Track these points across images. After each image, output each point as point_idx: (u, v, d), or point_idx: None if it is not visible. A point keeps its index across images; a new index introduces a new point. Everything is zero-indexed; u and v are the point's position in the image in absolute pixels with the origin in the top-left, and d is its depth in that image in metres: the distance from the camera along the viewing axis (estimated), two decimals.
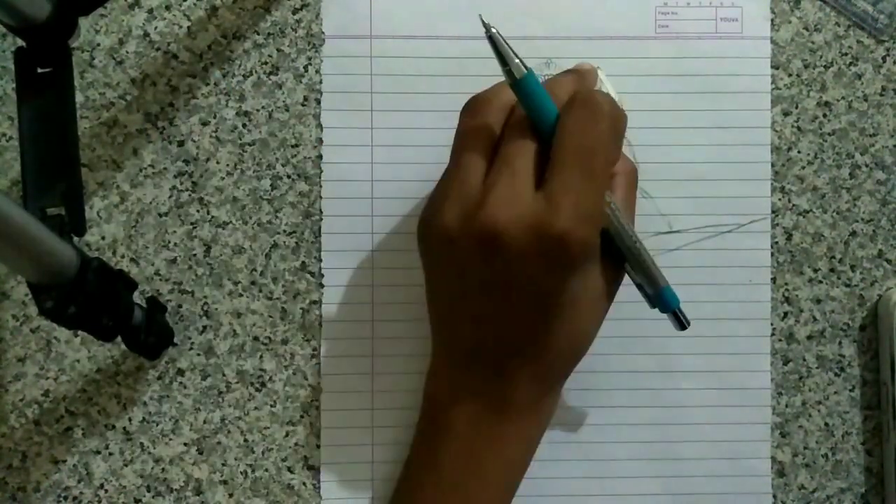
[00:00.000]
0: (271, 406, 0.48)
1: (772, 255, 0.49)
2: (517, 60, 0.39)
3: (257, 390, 0.48)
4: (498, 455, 0.42)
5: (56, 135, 0.39)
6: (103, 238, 0.48)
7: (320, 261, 0.48)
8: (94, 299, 0.38)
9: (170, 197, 0.48)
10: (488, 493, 0.42)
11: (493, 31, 0.38)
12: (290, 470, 0.48)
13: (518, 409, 0.41)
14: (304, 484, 0.48)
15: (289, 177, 0.48)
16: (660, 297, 0.42)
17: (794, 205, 0.49)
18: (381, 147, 0.48)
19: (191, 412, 0.48)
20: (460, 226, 0.39)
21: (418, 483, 0.43)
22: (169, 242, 0.48)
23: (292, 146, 0.48)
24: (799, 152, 0.49)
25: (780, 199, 0.49)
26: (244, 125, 0.48)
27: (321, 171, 0.48)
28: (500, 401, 0.41)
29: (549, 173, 0.38)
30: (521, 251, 0.38)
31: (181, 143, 0.48)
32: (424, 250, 0.42)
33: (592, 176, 0.38)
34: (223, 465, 0.48)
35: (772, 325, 0.49)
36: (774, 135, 0.49)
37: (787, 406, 0.49)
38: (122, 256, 0.48)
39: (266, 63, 0.48)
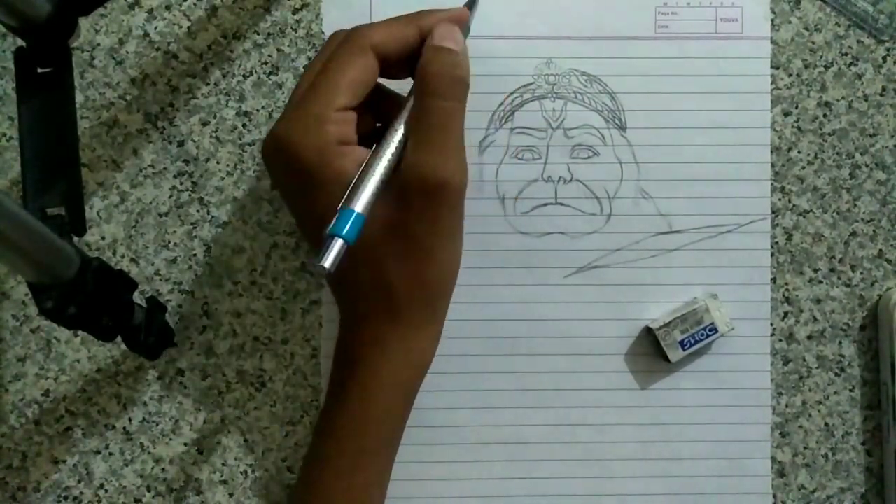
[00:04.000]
0: (271, 406, 0.48)
1: (772, 255, 0.49)
2: None
3: (257, 390, 0.48)
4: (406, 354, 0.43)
5: (56, 135, 0.39)
6: (103, 238, 0.48)
7: None
8: (94, 299, 0.38)
9: (170, 197, 0.48)
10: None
11: None
12: (290, 470, 0.48)
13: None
14: None
15: None
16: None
17: (794, 205, 0.49)
18: None
19: (191, 412, 0.48)
20: None
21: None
22: (169, 242, 0.48)
23: None
24: (799, 152, 0.49)
25: (780, 199, 0.49)
26: (244, 125, 0.48)
27: None
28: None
29: None
30: None
31: (181, 143, 0.48)
32: None
33: None
34: (223, 465, 0.48)
35: (772, 325, 0.49)
36: (774, 135, 0.49)
37: (787, 406, 0.49)
38: (122, 256, 0.48)
39: (266, 63, 0.48)
